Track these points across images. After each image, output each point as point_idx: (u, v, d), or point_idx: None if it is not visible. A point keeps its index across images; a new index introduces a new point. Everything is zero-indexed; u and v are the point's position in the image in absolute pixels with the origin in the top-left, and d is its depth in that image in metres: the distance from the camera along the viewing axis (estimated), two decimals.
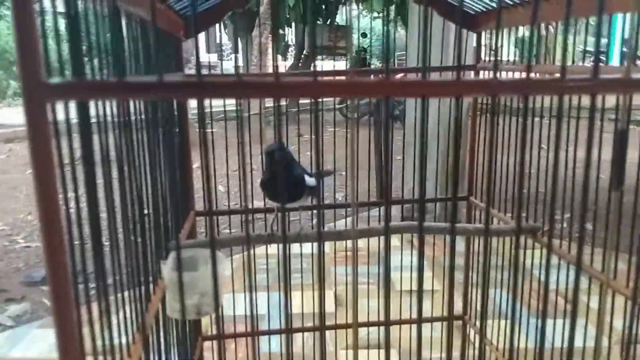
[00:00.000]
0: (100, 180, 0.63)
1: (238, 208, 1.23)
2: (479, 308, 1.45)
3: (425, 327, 1.66)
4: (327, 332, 2.12)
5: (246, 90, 0.39)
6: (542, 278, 0.85)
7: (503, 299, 1.47)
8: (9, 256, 3.43)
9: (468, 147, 1.42)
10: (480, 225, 1.13)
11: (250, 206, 1.30)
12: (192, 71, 1.25)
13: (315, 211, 1.50)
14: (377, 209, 3.75)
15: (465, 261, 1.32)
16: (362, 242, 1.79)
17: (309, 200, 1.22)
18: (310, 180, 1.15)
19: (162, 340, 0.87)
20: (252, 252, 0.50)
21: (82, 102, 0.53)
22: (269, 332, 1.40)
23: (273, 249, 2.99)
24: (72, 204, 0.56)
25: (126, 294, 0.77)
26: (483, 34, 1.36)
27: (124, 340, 0.73)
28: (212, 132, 1.53)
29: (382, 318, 1.51)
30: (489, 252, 1.28)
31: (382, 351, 1.87)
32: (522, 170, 0.55)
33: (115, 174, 0.71)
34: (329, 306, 2.46)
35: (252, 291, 0.46)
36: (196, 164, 1.30)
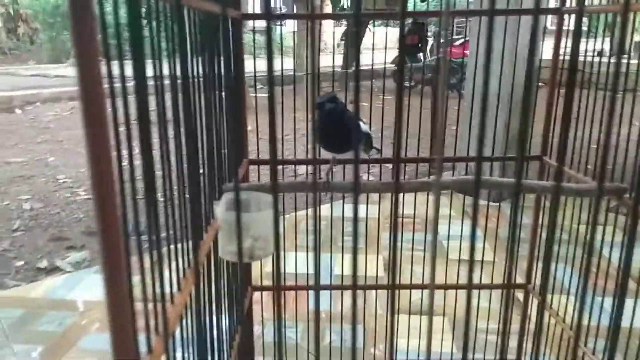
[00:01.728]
0: (155, 136, 0.61)
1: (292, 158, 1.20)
2: (541, 280, 1.37)
3: (482, 297, 1.60)
4: (377, 296, 2.09)
5: None
6: (613, 257, 0.76)
7: (567, 274, 1.38)
8: (70, 207, 3.60)
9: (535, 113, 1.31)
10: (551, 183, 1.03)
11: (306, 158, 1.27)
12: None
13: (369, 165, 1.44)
14: (429, 177, 3.63)
15: (533, 227, 1.24)
16: (411, 209, 1.74)
17: (367, 152, 1.17)
18: (365, 127, 1.10)
19: (212, 282, 0.86)
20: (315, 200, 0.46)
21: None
22: (326, 288, 1.38)
23: (324, 210, 2.98)
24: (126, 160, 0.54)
25: (180, 243, 0.76)
26: None
27: (175, 289, 0.72)
28: (260, 97, 1.50)
29: (436, 283, 1.46)
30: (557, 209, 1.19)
31: (434, 317, 1.83)
32: (610, 120, 0.48)
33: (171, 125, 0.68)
34: (379, 271, 2.43)
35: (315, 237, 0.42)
36: (249, 126, 1.28)
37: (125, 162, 0.52)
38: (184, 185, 0.68)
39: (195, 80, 0.76)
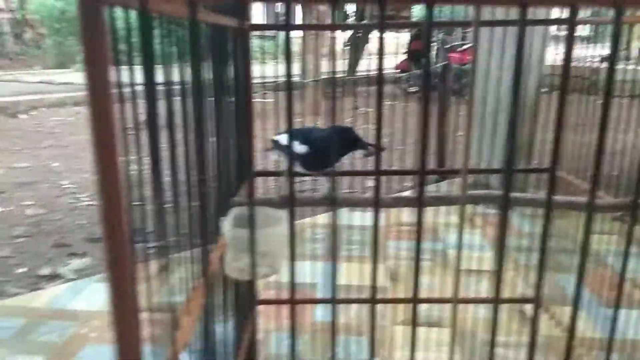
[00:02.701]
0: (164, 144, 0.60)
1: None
2: (548, 291, 1.35)
3: (486, 308, 1.58)
4: (382, 307, 2.07)
5: None
6: (619, 267, 0.76)
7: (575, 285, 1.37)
8: (73, 213, 3.59)
9: (541, 122, 1.30)
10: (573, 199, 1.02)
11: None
12: None
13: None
14: (435, 184, 3.61)
15: (542, 239, 1.22)
16: (414, 217, 1.72)
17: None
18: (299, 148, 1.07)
19: (219, 298, 0.85)
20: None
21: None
22: (321, 301, 1.37)
23: (323, 218, 2.97)
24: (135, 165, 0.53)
25: (186, 253, 0.74)
26: None
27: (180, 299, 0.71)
28: (264, 102, 1.49)
29: (438, 295, 1.44)
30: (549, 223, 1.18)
31: (437, 329, 1.81)
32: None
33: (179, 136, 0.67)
34: (383, 280, 2.40)
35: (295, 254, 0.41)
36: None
37: (133, 168, 0.51)
38: (191, 193, 0.67)
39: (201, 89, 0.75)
